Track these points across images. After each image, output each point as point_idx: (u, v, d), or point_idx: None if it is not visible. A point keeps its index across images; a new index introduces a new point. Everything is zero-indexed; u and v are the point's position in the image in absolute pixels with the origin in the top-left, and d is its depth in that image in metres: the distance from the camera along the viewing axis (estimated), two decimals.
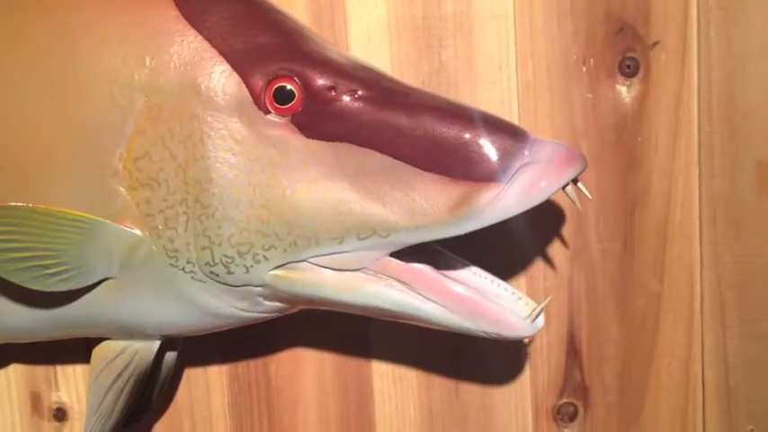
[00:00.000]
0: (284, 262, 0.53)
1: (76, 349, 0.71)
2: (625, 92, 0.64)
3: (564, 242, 0.66)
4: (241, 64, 0.53)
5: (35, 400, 0.73)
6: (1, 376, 0.73)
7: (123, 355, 0.63)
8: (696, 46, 0.63)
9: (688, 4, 0.63)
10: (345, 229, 0.52)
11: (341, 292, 0.54)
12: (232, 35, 0.53)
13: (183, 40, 0.53)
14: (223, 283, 0.55)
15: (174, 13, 0.54)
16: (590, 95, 0.64)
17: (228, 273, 0.54)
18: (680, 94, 0.64)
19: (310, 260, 0.53)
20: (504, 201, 0.50)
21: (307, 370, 0.69)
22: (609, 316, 0.67)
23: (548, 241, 0.66)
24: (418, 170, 0.51)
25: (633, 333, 0.67)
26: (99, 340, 0.63)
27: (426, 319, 0.54)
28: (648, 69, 0.64)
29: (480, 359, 0.67)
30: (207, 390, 0.70)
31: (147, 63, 0.53)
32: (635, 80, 0.64)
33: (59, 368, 0.72)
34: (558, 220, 0.65)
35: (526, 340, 0.65)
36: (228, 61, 0.53)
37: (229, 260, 0.54)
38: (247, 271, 0.54)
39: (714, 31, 0.63)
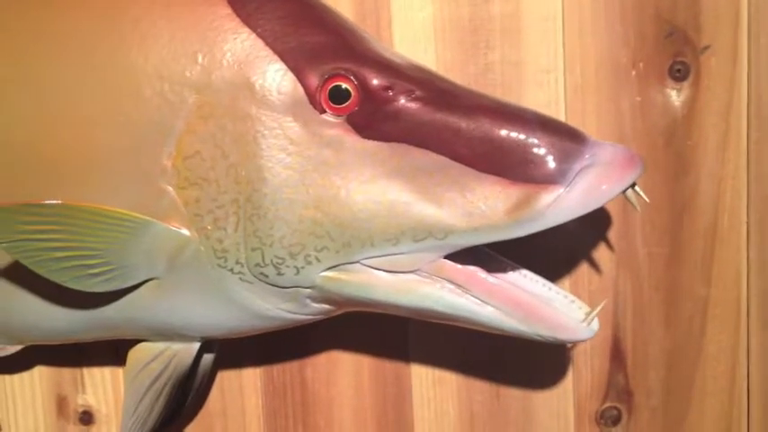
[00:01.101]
0: (336, 263, 0.53)
1: (104, 351, 0.70)
2: (675, 96, 0.64)
3: (610, 246, 0.65)
4: (296, 63, 0.52)
5: (61, 403, 0.71)
6: (25, 379, 0.72)
7: (161, 358, 0.62)
8: (746, 51, 0.63)
9: (739, 8, 0.63)
10: (401, 231, 0.51)
11: (394, 295, 0.53)
12: (286, 33, 0.53)
13: (236, 38, 0.53)
14: (272, 285, 0.54)
15: (227, 10, 0.53)
16: (639, 99, 0.63)
17: (279, 274, 0.53)
18: (730, 99, 0.64)
19: (363, 262, 0.53)
20: (566, 203, 0.49)
21: (343, 372, 0.69)
22: (654, 320, 0.66)
23: (593, 245, 0.65)
24: (476, 171, 0.50)
25: (679, 337, 0.67)
26: (128, 342, 0.62)
27: (481, 323, 0.53)
28: (698, 74, 0.63)
29: (522, 362, 0.67)
30: (241, 393, 0.69)
31: (200, 60, 0.53)
32: (685, 84, 0.64)
33: (86, 370, 0.71)
34: (603, 223, 0.65)
35: (569, 344, 0.65)
36: (283, 60, 0.52)
37: (280, 261, 0.53)
38: (298, 272, 0.53)
39: (765, 36, 0.63)
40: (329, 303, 0.55)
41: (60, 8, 0.55)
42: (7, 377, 0.72)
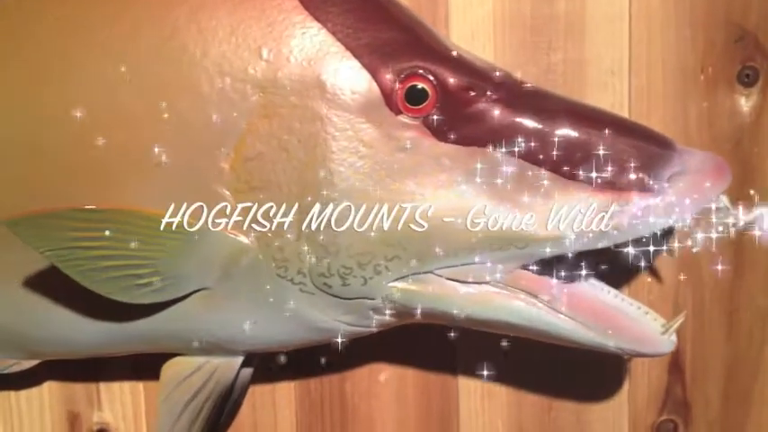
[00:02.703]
0: (407, 273, 0.50)
1: (122, 364, 0.65)
2: (743, 102, 0.62)
3: (671, 253, 0.62)
4: (370, 60, 0.49)
5: (73, 421, 0.67)
6: (34, 395, 0.67)
7: (201, 372, 0.58)
8: None
9: None
10: (479, 240, 0.49)
11: (468, 306, 0.50)
12: (358, 28, 0.49)
13: (305, 33, 0.49)
14: (334, 296, 0.51)
15: (293, 3, 0.50)
16: (706, 104, 0.62)
17: (344, 285, 0.50)
18: None
19: (436, 271, 0.50)
20: (656, 213, 0.48)
21: (386, 386, 0.66)
22: (715, 331, 0.65)
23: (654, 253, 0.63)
24: (560, 177, 0.48)
25: (739, 348, 0.65)
26: (150, 355, 0.58)
27: (558, 335, 0.51)
28: None
29: (576, 374, 0.65)
30: (273, 407, 0.66)
31: (265, 56, 0.49)
32: (754, 90, 0.62)
33: (102, 385, 0.66)
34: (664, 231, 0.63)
35: (626, 356, 0.63)
36: (356, 57, 0.49)
37: (347, 271, 0.50)
38: (365, 283, 0.50)
39: None
40: (392, 315, 0.52)
41: None
42: (13, 393, 0.67)
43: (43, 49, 0.51)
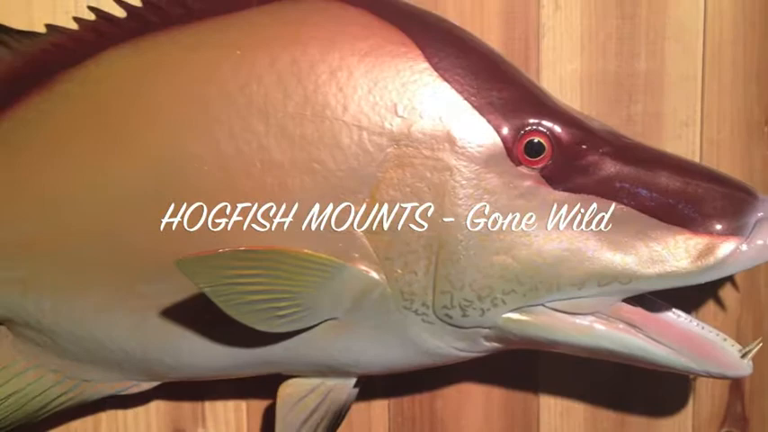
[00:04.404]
0: (521, 305, 0.56)
1: (226, 383, 0.70)
2: None
3: (734, 285, 0.71)
4: (494, 117, 0.55)
5: None
6: (140, 413, 0.71)
7: (316, 393, 0.63)
8: None
9: None
10: (587, 276, 0.55)
11: (574, 335, 0.57)
12: (482, 88, 0.56)
13: (435, 92, 0.55)
14: (453, 325, 0.57)
15: (425, 65, 0.56)
16: None
17: (464, 315, 0.56)
18: None
19: (546, 304, 0.56)
20: (745, 254, 0.54)
21: (473, 405, 0.71)
22: None
23: (719, 284, 0.70)
24: (660, 222, 0.55)
25: None
26: (253, 376, 0.63)
27: (654, 362, 0.57)
28: None
29: (646, 392, 0.71)
30: (369, 424, 0.71)
31: (400, 112, 0.55)
32: None
33: (207, 404, 0.71)
34: None
35: (692, 375, 0.70)
36: (482, 114, 0.55)
37: (467, 304, 0.56)
38: (483, 314, 0.56)
39: None
40: (501, 342, 0.58)
41: (248, 53, 0.56)
42: (121, 412, 0.71)
43: (190, 102, 0.56)
